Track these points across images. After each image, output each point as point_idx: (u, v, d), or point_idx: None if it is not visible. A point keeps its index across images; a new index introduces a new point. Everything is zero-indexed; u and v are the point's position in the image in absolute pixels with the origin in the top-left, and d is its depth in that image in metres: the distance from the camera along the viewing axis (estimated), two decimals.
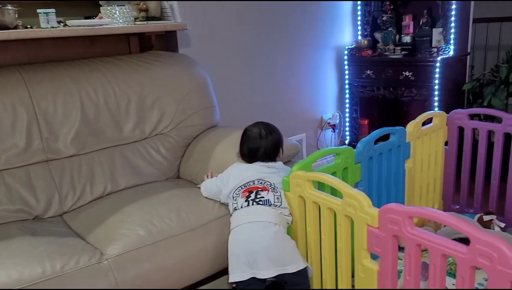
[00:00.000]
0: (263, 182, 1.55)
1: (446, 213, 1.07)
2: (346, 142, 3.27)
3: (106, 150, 1.86)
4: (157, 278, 1.40)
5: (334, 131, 3.19)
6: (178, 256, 1.45)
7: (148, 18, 2.13)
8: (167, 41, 2.31)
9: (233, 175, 1.60)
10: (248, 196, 1.52)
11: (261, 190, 1.52)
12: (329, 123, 3.15)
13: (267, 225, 1.43)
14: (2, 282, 1.17)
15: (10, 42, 1.83)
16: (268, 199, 1.50)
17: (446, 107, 2.67)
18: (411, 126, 1.97)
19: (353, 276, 1.35)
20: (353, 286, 1.36)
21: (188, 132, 2.06)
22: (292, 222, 1.53)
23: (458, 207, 2.27)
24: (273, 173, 1.59)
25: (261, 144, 1.62)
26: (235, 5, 2.52)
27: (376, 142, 1.84)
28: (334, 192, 1.47)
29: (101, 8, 2.01)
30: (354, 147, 3.25)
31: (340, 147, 1.67)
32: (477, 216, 2.05)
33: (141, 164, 1.92)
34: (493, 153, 2.07)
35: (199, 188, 1.75)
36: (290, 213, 1.52)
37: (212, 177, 1.78)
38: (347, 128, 3.26)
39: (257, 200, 1.50)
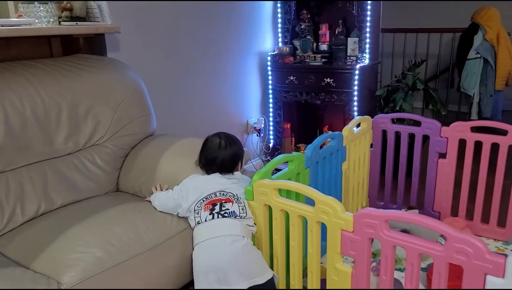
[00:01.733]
0: (225, 193, 1.52)
1: (420, 215, 1.16)
2: (270, 145, 3.35)
3: (37, 165, 1.65)
4: None
5: (259, 135, 3.25)
6: (143, 276, 1.35)
7: (73, 18, 1.93)
8: (94, 44, 2.13)
9: (193, 187, 1.54)
10: (212, 209, 1.47)
11: (225, 202, 1.49)
12: (254, 127, 3.20)
13: (235, 239, 1.40)
14: None
15: None
16: (234, 211, 1.47)
17: (363, 112, 2.90)
18: (346, 131, 2.10)
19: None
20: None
21: (125, 141, 1.93)
22: (256, 231, 1.53)
23: (382, 203, 2.47)
24: (234, 183, 1.56)
25: (219, 155, 1.59)
26: (163, 9, 2.42)
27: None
28: (289, 197, 1.50)
29: (20, 6, 1.78)
30: (277, 150, 3.35)
31: (293, 154, 1.71)
32: (402, 211, 2.26)
33: (77, 178, 1.74)
34: (413, 153, 2.30)
35: (149, 201, 1.65)
36: (255, 223, 1.52)
37: (161, 189, 1.70)
38: (271, 132, 3.34)
39: (222, 212, 1.46)
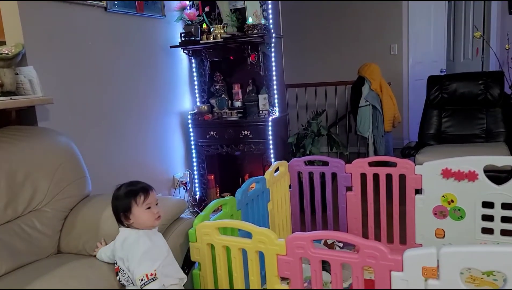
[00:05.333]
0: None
1: (337, 232, 1.45)
2: (197, 197, 3.53)
3: None
4: None
5: (186, 189, 3.42)
6: None
7: (3, 93, 2.03)
8: (24, 116, 2.21)
9: None
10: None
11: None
12: (181, 181, 3.38)
13: None
14: None
15: None
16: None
17: (278, 158, 3.25)
18: (267, 174, 2.40)
19: None
20: None
21: (64, 204, 2.00)
22: (201, 269, 1.70)
23: None
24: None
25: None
26: (89, 76, 2.59)
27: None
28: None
29: None
30: (204, 201, 3.54)
31: (226, 198, 1.94)
32: (322, 241, 2.57)
33: (18, 244, 1.78)
34: (325, 189, 2.66)
35: (94, 256, 1.75)
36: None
37: (106, 243, 1.79)
38: (196, 185, 3.54)
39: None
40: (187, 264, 1.89)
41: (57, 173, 2.00)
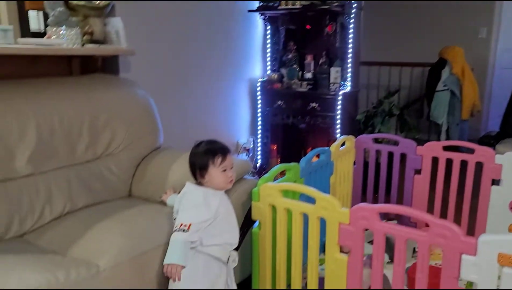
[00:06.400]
0: None
1: (406, 207, 1.40)
2: (258, 165, 3.57)
3: (61, 170, 1.82)
4: (150, 286, 1.45)
5: (248, 155, 3.47)
6: None
7: (92, 41, 2.15)
8: (108, 65, 2.33)
9: None
10: None
11: None
12: (244, 147, 3.42)
13: None
14: None
15: None
16: None
17: (345, 134, 3.17)
18: (333, 147, 2.35)
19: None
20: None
21: (137, 153, 2.12)
22: (261, 228, 1.73)
23: None
24: None
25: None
26: (170, 34, 2.67)
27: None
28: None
29: (48, 28, 1.99)
30: (264, 169, 3.57)
31: (291, 164, 1.94)
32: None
33: (96, 183, 1.92)
34: (392, 169, 2.57)
35: (162, 202, 1.82)
36: None
37: (174, 191, 1.86)
38: (259, 152, 3.58)
39: None
40: (247, 223, 1.93)
41: (133, 123, 2.10)
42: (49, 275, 1.23)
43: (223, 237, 1.55)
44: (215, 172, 1.53)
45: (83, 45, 2.03)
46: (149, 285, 1.49)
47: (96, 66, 2.19)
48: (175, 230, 1.44)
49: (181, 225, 1.43)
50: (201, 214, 1.48)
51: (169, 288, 1.47)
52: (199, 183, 1.57)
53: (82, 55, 2.16)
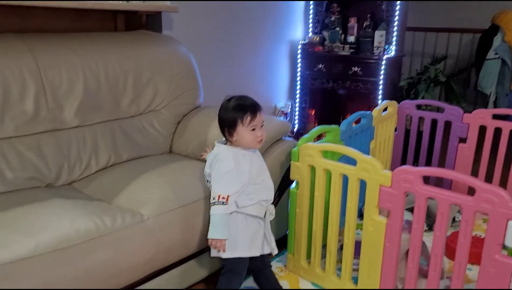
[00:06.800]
0: None
1: (451, 170, 1.36)
2: (295, 130, 3.55)
3: (107, 123, 1.88)
4: (190, 238, 1.50)
5: (286, 119, 3.45)
6: (207, 218, 1.54)
7: None
8: (152, 22, 2.34)
9: None
10: None
11: None
12: (282, 111, 3.40)
13: None
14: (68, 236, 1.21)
15: None
16: None
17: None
18: (375, 112, 2.30)
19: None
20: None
21: (179, 110, 2.14)
22: (299, 188, 1.73)
23: None
24: None
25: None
26: None
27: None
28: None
29: None
30: (301, 134, 3.56)
31: (331, 126, 1.92)
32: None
33: (139, 138, 1.97)
34: (435, 137, 2.49)
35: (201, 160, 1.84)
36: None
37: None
38: (296, 117, 3.55)
39: None
40: (284, 183, 1.94)
41: (175, 80, 2.12)
42: (97, 220, 1.29)
43: (258, 195, 1.54)
44: (244, 131, 1.48)
45: (128, 0, 2.04)
46: (191, 236, 1.53)
47: (140, 23, 2.20)
48: (213, 203, 1.43)
49: (219, 197, 1.42)
50: (236, 184, 1.46)
51: (211, 255, 1.52)
52: (229, 142, 1.55)
53: (126, 11, 2.17)
